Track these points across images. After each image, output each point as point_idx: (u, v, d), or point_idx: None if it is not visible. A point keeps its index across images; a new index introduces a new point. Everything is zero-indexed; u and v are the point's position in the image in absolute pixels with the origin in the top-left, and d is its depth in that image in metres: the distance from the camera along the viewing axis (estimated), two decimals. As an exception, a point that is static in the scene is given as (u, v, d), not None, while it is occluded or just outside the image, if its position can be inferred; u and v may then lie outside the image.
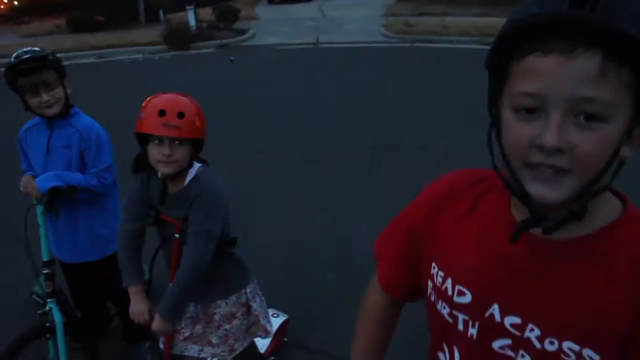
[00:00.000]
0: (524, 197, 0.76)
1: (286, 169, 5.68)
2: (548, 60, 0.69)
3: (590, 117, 0.69)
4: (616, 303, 0.76)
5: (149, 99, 1.92)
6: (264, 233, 4.27)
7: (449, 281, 0.92)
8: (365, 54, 12.40)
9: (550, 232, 0.76)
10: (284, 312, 3.06)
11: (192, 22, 14.80)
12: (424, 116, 7.23)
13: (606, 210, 0.81)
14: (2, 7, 19.07)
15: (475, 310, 0.89)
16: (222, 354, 2.17)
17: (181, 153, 1.87)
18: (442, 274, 0.94)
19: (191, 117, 1.87)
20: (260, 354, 2.61)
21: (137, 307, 2.02)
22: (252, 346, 2.38)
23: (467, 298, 0.89)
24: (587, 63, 0.67)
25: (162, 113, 1.80)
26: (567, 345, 0.79)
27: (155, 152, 1.86)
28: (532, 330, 0.82)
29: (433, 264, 0.96)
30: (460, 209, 0.94)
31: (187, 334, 2.16)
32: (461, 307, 0.91)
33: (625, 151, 0.74)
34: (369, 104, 7.98)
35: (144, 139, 1.90)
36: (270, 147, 6.30)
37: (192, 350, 2.18)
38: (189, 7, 14.89)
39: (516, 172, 0.76)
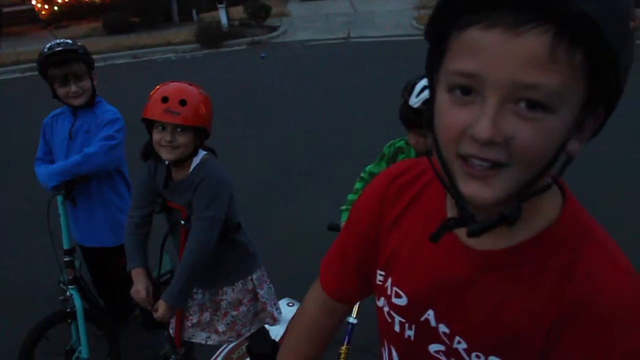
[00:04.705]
0: (456, 195, 0.67)
1: (316, 162, 5.72)
2: (491, 35, 0.59)
3: (533, 105, 0.59)
4: (534, 319, 0.71)
5: (157, 87, 1.97)
6: (291, 223, 4.29)
7: (389, 281, 0.88)
8: (398, 48, 12.25)
9: (476, 236, 0.67)
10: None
11: (223, 20, 14.98)
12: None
13: (547, 208, 0.72)
14: (43, 12, 19.66)
15: (411, 314, 0.85)
16: (230, 339, 2.20)
17: (183, 140, 1.90)
18: (383, 272, 0.90)
19: (194, 105, 1.90)
20: (274, 341, 2.63)
21: (134, 286, 2.05)
22: (263, 332, 2.40)
23: (403, 301, 0.85)
24: (534, 42, 0.57)
25: (164, 100, 1.85)
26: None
27: (157, 137, 1.90)
28: (459, 342, 0.78)
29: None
30: (399, 205, 0.88)
31: (194, 321, 2.19)
32: (398, 309, 0.87)
33: (574, 145, 0.65)
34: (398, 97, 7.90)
35: (151, 126, 1.95)
36: (301, 141, 6.34)
37: (200, 336, 2.22)
38: (220, 5, 15.07)
39: (448, 165, 0.67)
